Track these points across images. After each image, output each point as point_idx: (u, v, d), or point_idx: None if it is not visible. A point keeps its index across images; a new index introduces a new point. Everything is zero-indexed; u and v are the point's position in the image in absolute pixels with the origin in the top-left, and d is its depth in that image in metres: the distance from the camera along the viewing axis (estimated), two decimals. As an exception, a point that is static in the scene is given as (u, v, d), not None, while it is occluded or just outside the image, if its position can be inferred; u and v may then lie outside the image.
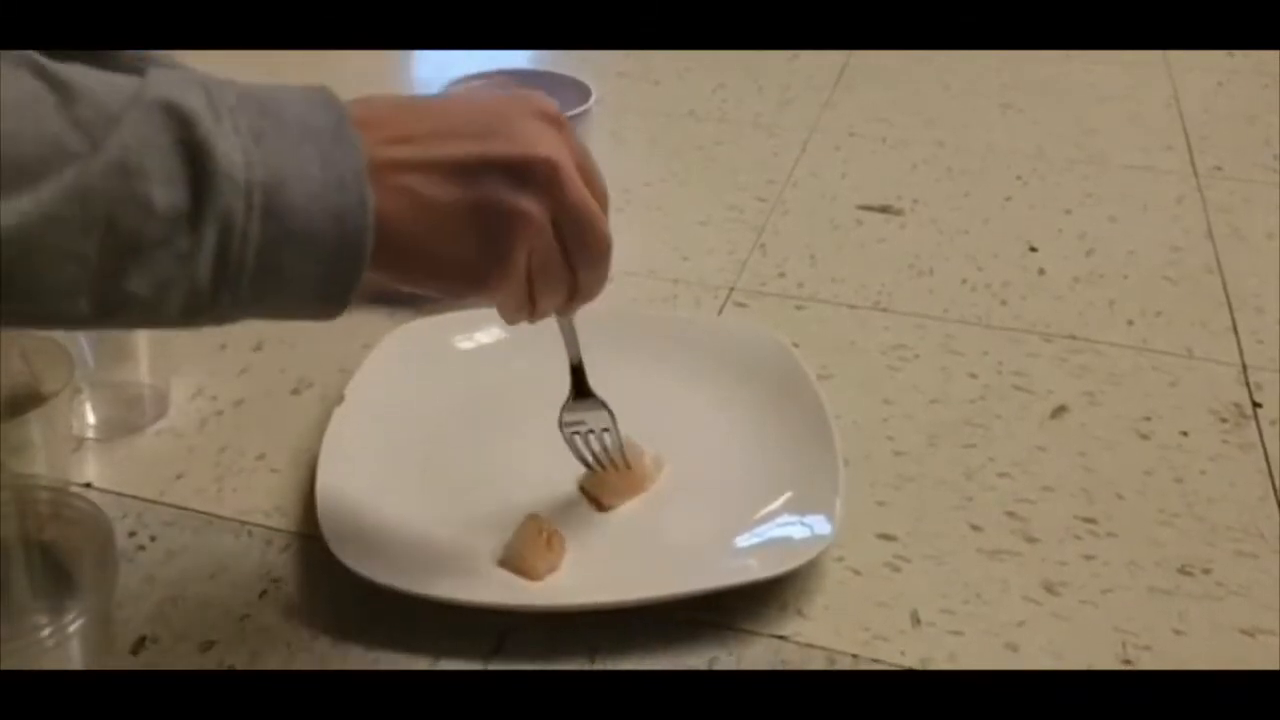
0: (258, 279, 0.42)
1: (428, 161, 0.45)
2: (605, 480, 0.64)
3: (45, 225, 0.38)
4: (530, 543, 0.59)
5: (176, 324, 0.43)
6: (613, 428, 0.63)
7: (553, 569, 0.59)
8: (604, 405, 0.63)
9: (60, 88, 0.39)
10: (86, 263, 0.39)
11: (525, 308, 0.51)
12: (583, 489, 0.65)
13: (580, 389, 0.63)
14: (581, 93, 0.81)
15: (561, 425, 0.63)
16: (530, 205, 0.47)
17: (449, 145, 0.46)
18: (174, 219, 0.40)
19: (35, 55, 0.39)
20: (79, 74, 0.40)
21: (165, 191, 0.39)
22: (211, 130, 0.40)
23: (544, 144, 0.47)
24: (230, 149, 0.40)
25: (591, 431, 0.63)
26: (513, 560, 0.59)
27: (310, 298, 0.44)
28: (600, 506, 0.64)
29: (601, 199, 0.50)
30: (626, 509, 0.64)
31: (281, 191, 0.41)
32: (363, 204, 0.42)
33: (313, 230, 0.42)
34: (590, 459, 0.63)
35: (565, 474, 0.66)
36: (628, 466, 0.64)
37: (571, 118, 0.80)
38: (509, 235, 0.47)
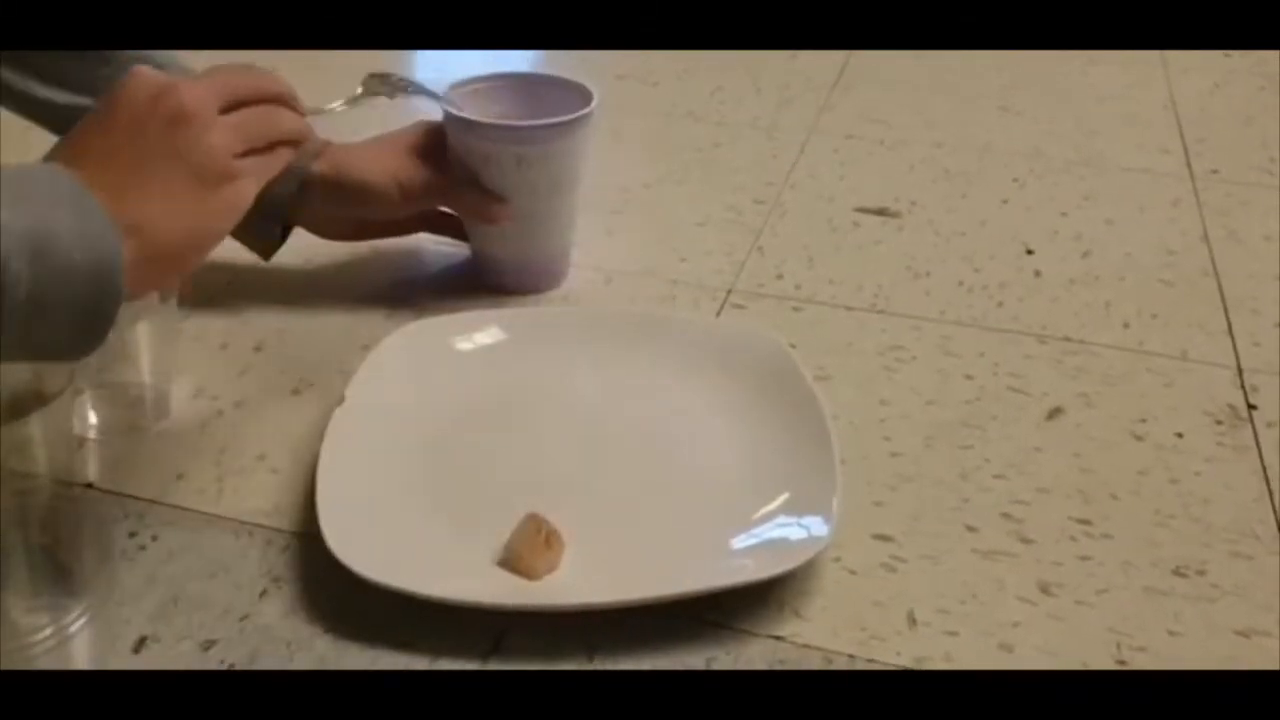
0: (26, 317, 0.50)
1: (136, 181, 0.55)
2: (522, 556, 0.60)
3: None
4: (529, 542, 0.59)
5: None
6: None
7: (551, 569, 0.59)
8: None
9: None
10: None
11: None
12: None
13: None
14: (583, 96, 0.82)
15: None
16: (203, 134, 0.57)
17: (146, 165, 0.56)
18: None
19: None
20: None
21: None
22: None
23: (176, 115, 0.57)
24: (2, 208, 0.48)
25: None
26: (511, 560, 0.59)
27: (73, 331, 0.52)
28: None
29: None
30: (626, 508, 0.64)
31: (48, 240, 0.49)
32: (111, 242, 0.52)
33: (73, 270, 0.50)
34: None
35: (565, 474, 0.67)
36: None
37: (573, 121, 0.81)
38: (207, 166, 0.57)
